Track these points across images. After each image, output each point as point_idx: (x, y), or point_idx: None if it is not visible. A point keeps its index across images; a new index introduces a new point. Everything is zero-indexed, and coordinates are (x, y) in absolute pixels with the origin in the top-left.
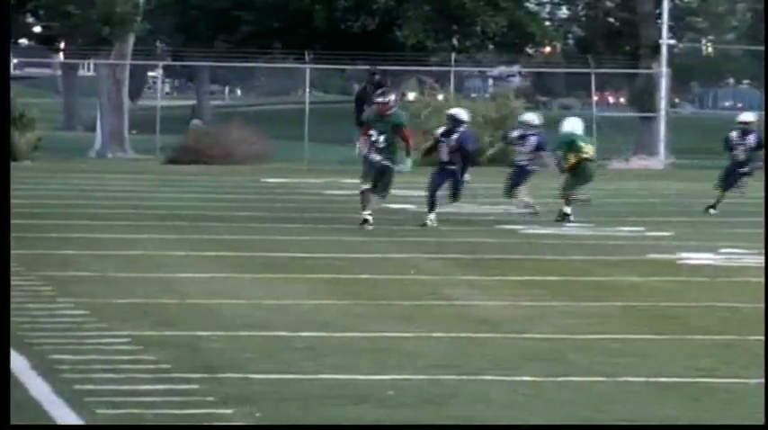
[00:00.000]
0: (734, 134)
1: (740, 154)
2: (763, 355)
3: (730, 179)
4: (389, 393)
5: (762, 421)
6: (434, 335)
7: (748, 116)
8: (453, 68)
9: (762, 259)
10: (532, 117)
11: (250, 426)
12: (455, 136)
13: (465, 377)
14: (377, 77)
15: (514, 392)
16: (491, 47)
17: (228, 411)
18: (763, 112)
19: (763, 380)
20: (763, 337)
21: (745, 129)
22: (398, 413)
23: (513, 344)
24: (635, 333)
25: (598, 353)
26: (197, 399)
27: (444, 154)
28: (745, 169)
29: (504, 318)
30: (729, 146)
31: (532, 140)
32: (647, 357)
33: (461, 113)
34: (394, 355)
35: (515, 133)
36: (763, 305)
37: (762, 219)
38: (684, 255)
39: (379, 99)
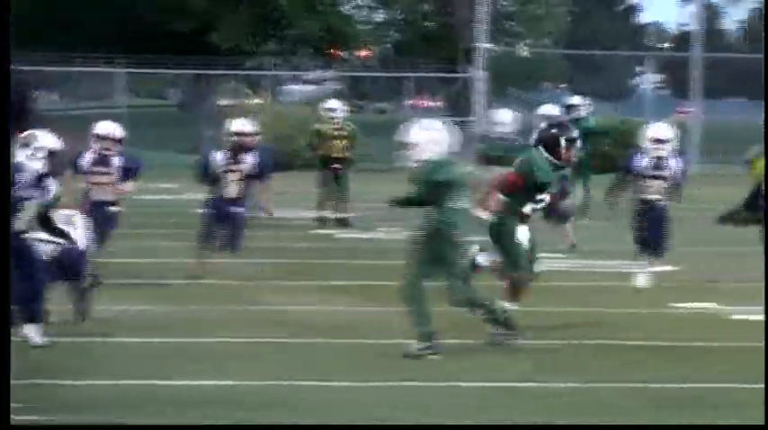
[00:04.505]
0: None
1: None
2: (764, 357)
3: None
4: (233, 397)
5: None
6: (268, 340)
7: (334, 103)
8: (270, 72)
9: (585, 263)
10: None
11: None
12: None
13: (285, 382)
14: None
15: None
16: (307, 50)
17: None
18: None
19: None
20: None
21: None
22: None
23: (339, 349)
24: (461, 338)
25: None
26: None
27: None
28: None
29: (328, 324)
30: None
31: None
32: (478, 361)
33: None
34: (217, 361)
35: None
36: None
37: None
38: None
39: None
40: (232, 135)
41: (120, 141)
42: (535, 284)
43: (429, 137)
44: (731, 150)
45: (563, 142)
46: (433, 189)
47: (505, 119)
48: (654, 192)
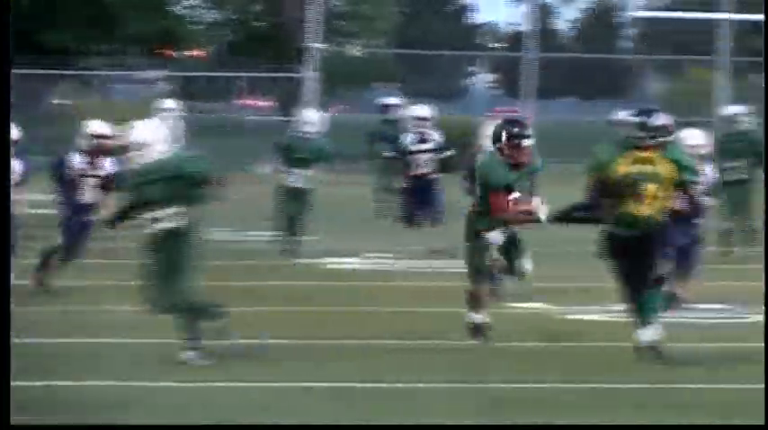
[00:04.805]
0: None
1: None
2: (763, 357)
3: None
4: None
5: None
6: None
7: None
8: (102, 72)
9: (403, 264)
10: None
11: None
12: None
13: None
14: None
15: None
16: (139, 50)
17: None
18: None
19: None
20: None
21: None
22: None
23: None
24: (287, 337)
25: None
26: None
27: None
28: None
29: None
30: None
31: None
32: (304, 361)
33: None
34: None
35: None
36: (398, 309)
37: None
38: (330, 259)
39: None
40: (91, 138)
41: (15, 143)
42: (371, 285)
43: (154, 136)
44: (563, 151)
45: (504, 137)
46: (164, 188)
47: (312, 118)
48: None
